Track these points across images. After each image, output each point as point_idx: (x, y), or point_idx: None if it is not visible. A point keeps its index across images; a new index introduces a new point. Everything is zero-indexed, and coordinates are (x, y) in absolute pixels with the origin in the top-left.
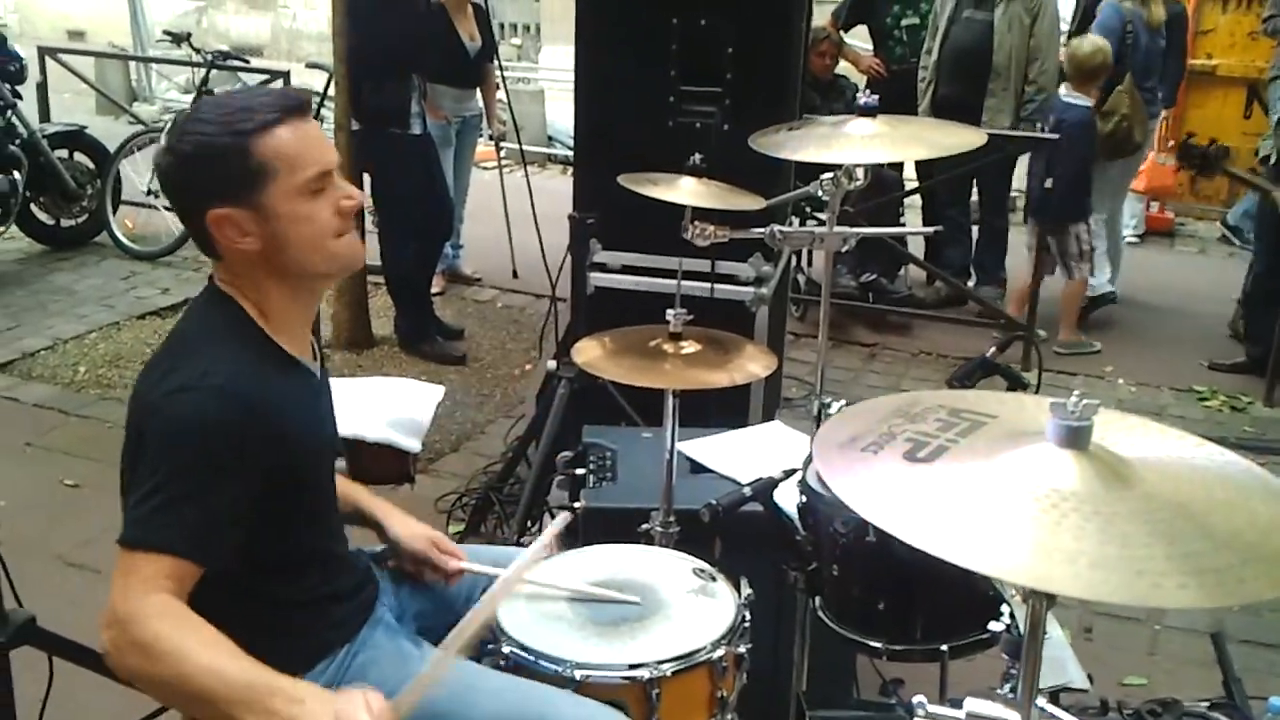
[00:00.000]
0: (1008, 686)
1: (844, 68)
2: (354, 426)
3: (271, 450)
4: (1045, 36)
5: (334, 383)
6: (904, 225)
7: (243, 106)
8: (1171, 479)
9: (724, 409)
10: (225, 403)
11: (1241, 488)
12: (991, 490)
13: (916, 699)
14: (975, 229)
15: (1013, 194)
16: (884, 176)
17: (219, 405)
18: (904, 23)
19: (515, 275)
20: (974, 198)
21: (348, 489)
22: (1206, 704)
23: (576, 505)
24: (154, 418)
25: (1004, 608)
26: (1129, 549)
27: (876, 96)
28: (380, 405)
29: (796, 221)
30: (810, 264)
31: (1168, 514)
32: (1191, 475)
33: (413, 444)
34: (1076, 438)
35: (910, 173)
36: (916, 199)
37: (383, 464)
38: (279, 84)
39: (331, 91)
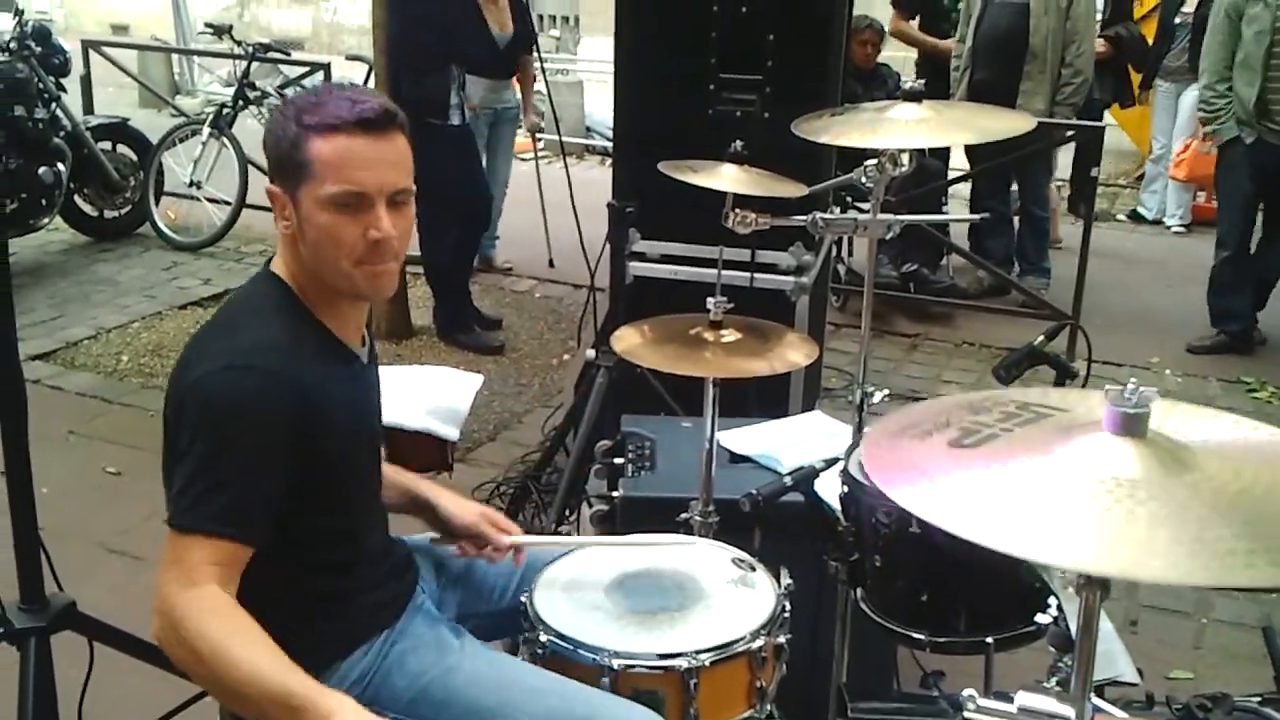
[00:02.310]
0: (1054, 680)
1: (885, 56)
2: (393, 414)
3: (312, 432)
4: (1082, 19)
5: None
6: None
7: (321, 103)
8: (1232, 461)
9: (764, 399)
10: (267, 382)
11: None
12: (1045, 479)
13: (966, 692)
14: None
15: (1056, 183)
16: (926, 165)
17: (260, 384)
18: (960, 4)
19: (551, 265)
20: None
21: (396, 475)
22: (1258, 699)
23: (615, 494)
24: (194, 394)
25: (1051, 600)
26: (1192, 531)
27: (923, 81)
28: (420, 393)
29: (837, 211)
30: (851, 254)
31: (1230, 495)
32: (1251, 457)
33: (451, 432)
34: (1134, 425)
35: (956, 162)
36: (962, 190)
37: (422, 452)
38: (319, 77)
39: (372, 84)
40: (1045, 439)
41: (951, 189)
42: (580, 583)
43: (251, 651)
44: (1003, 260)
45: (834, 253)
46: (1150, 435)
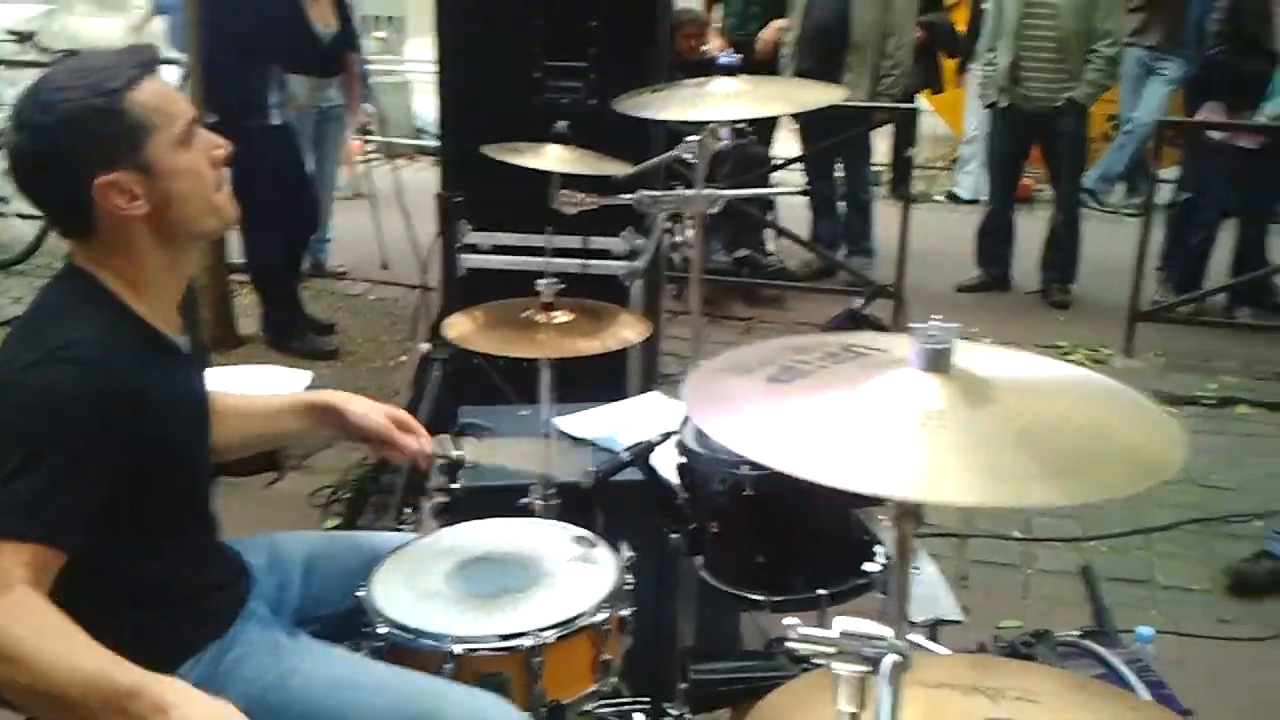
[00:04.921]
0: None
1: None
2: None
3: (135, 426)
4: (901, 12)
5: None
6: (771, 200)
7: (102, 66)
8: (1027, 394)
9: (601, 385)
10: (82, 375)
11: (1092, 396)
12: (855, 412)
13: (788, 621)
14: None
15: (876, 168)
16: (751, 152)
17: (76, 377)
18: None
19: (385, 267)
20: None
21: (295, 397)
22: (1078, 633)
23: (455, 486)
24: (6, 396)
25: (878, 549)
26: (991, 459)
27: (739, 55)
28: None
29: None
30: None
31: (1024, 425)
32: (1047, 389)
33: None
34: (938, 360)
35: (781, 150)
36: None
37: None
38: None
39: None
40: (857, 375)
41: (783, 175)
42: (420, 572)
43: (69, 647)
44: (830, 242)
45: (668, 240)
46: (953, 371)
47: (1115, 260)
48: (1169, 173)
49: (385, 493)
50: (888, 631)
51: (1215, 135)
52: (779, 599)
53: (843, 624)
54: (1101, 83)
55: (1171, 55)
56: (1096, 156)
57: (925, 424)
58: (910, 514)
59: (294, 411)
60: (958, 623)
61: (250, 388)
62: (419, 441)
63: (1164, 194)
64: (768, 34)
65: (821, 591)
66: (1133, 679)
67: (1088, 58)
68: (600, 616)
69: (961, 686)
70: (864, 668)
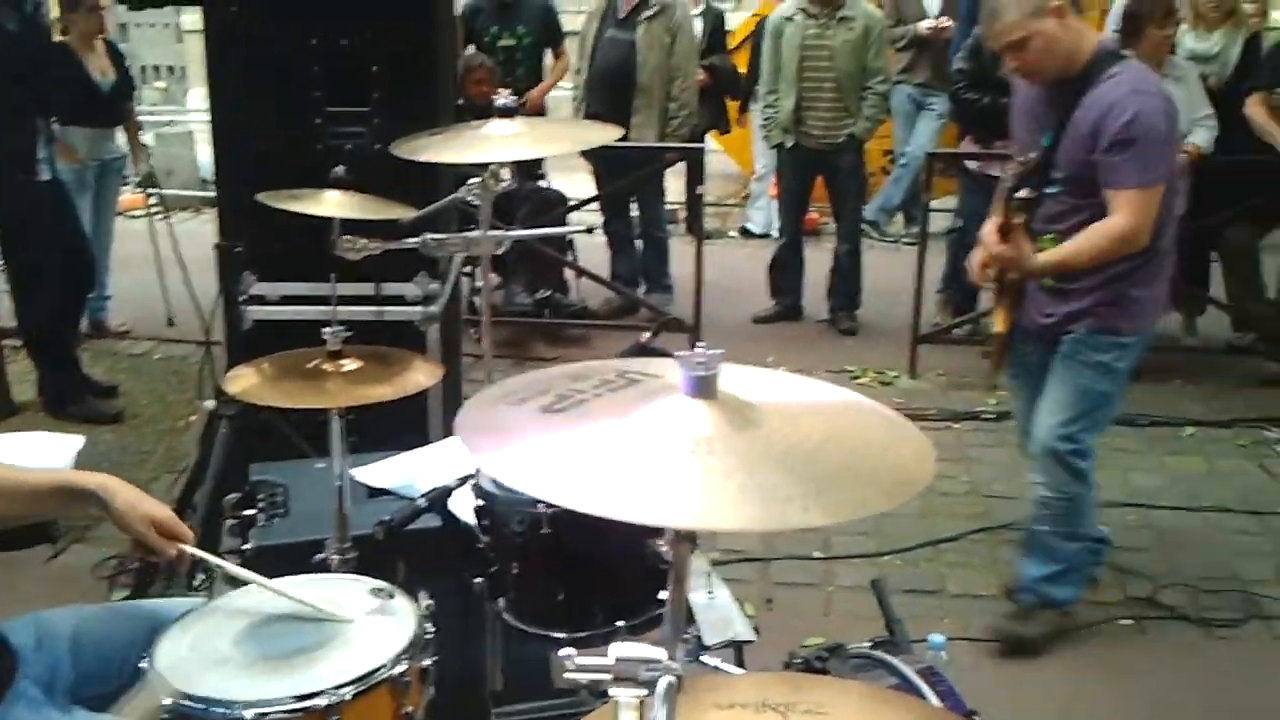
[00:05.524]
0: (683, 650)
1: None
2: None
3: None
4: (684, 56)
5: None
6: (570, 241)
7: None
8: (791, 417)
9: (402, 433)
10: None
11: (852, 417)
12: (627, 440)
13: (564, 652)
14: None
15: (670, 206)
16: (547, 194)
17: None
18: (500, 43)
19: (171, 324)
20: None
21: (52, 477)
22: (870, 644)
23: (246, 546)
24: None
25: None
26: (757, 482)
27: (515, 96)
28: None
29: None
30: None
31: (787, 448)
32: (809, 411)
33: None
34: (706, 387)
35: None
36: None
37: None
38: None
39: None
40: (629, 403)
41: (580, 215)
42: (208, 638)
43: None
44: (630, 280)
45: (470, 285)
46: (720, 396)
47: (898, 287)
48: (946, 202)
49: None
50: (661, 654)
51: (972, 165)
52: (580, 634)
53: (617, 649)
54: (876, 118)
55: (939, 91)
56: (875, 189)
57: (694, 450)
58: (685, 539)
59: (55, 494)
60: (750, 642)
61: (14, 457)
62: (174, 548)
63: (940, 222)
64: (536, 94)
65: (620, 623)
66: (922, 686)
67: (862, 95)
68: (400, 669)
69: (753, 705)
70: (642, 691)
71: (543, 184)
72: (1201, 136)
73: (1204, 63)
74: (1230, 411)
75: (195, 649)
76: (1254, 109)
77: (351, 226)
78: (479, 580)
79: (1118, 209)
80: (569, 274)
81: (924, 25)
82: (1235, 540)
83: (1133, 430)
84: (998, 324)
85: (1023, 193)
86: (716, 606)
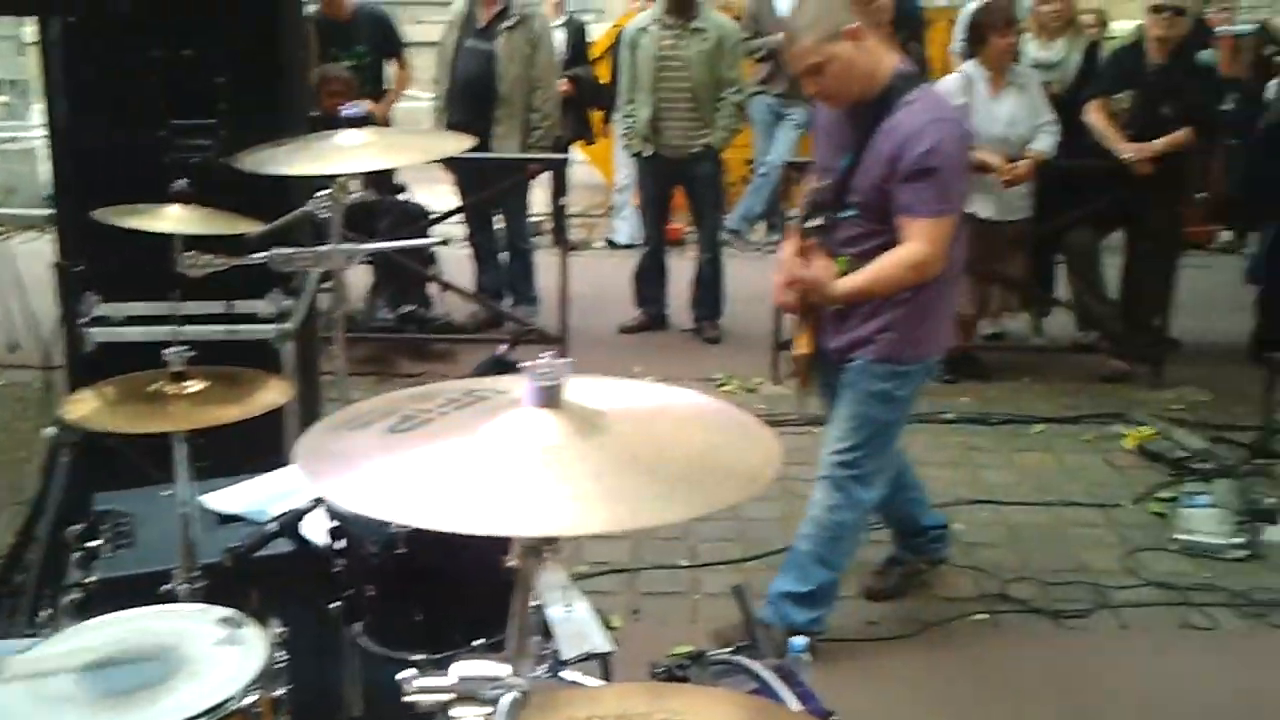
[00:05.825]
0: (540, 665)
1: None
2: None
3: None
4: (544, 66)
5: None
6: (433, 255)
7: None
8: (641, 421)
9: (257, 455)
10: None
11: (697, 419)
12: (473, 457)
13: (406, 673)
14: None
15: (535, 218)
16: (408, 208)
17: None
18: (343, 63)
19: (14, 349)
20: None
21: None
22: (730, 650)
23: (90, 580)
24: None
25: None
26: (611, 485)
27: (365, 105)
28: None
29: None
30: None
31: (638, 450)
32: (655, 415)
33: None
34: (551, 397)
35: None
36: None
37: None
38: None
39: None
40: (474, 420)
41: (444, 228)
42: (45, 676)
43: None
44: (495, 293)
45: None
46: (566, 405)
47: (761, 294)
48: None
49: (16, 595)
50: (505, 670)
51: None
52: (441, 655)
53: (459, 668)
54: (732, 127)
55: (798, 101)
56: (737, 198)
57: (545, 459)
58: (532, 552)
59: None
60: (610, 654)
61: None
62: None
63: None
64: (379, 108)
65: (479, 642)
66: (782, 690)
67: (717, 105)
68: (250, 699)
69: (611, 716)
70: (488, 709)
71: (404, 197)
72: (1045, 142)
73: (1047, 70)
74: (1077, 408)
75: (31, 691)
76: (1094, 115)
77: (197, 242)
78: (335, 604)
79: (912, 236)
80: (433, 288)
81: (780, 37)
82: (1083, 533)
83: (984, 428)
84: (801, 346)
85: (813, 222)
86: (573, 619)
